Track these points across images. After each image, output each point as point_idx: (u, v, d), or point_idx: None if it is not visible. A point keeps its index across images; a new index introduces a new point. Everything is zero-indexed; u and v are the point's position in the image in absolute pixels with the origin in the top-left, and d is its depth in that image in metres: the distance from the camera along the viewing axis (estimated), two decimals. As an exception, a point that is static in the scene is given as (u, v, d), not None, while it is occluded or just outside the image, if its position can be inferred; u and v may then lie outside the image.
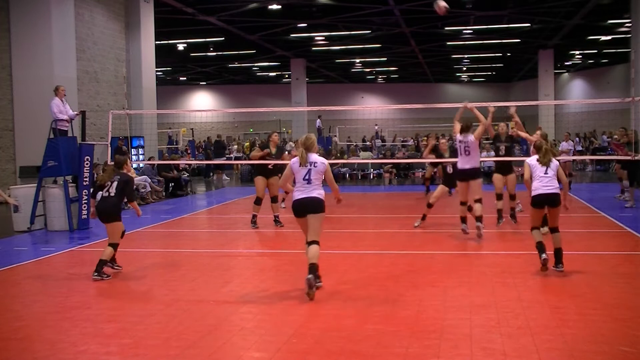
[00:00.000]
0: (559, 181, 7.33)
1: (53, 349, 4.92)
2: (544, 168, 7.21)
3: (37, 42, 15.33)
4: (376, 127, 34.50)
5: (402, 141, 30.97)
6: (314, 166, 6.41)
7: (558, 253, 7.12)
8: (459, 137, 9.55)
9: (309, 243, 6.39)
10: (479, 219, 9.29)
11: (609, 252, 8.43)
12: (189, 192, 18.69)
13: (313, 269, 6.25)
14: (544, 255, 7.03)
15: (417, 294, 6.33)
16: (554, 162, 7.30)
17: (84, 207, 11.58)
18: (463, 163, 9.53)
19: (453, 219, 12.31)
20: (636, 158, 11.53)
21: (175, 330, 5.31)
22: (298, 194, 6.43)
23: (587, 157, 23.07)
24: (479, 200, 9.38)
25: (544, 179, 7.18)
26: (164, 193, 17.55)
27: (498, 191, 10.82)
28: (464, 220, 9.73)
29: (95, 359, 4.73)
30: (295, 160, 6.51)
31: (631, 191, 13.15)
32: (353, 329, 5.20)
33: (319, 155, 6.73)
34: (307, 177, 6.39)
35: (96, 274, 7.26)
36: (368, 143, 31.37)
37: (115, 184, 7.51)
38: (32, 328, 5.52)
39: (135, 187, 15.60)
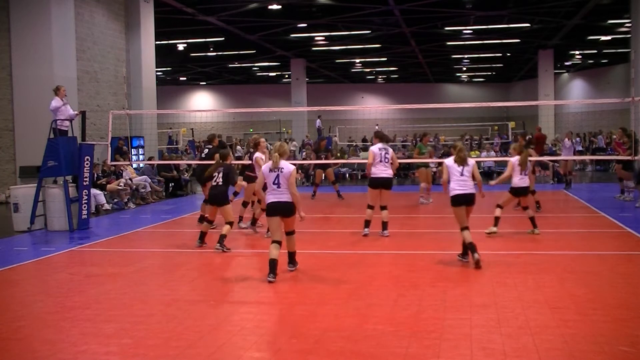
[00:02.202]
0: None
1: (53, 349, 4.93)
2: (461, 168, 7.81)
3: (37, 42, 15.33)
4: (376, 127, 34.49)
5: (402, 141, 30.97)
6: (281, 171, 7.14)
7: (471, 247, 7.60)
8: (380, 145, 9.94)
9: (287, 233, 7.39)
10: (384, 225, 9.85)
11: (609, 252, 8.43)
12: (189, 192, 18.69)
13: (292, 256, 7.47)
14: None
15: (417, 294, 6.33)
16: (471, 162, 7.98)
17: (84, 207, 11.58)
18: (382, 171, 9.80)
19: (453, 219, 12.34)
20: (636, 158, 11.53)
21: (175, 330, 5.31)
22: (271, 197, 7.21)
23: (587, 157, 23.10)
24: (385, 207, 9.88)
25: (460, 180, 7.78)
26: (164, 193, 17.56)
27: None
28: (367, 224, 9.87)
29: (95, 359, 4.73)
30: (266, 166, 7.31)
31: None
32: (353, 329, 5.20)
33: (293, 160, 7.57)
34: (276, 182, 7.16)
35: (218, 245, 8.86)
36: (369, 143, 31.34)
37: (221, 174, 9.00)
38: (32, 328, 5.52)
39: (135, 187, 15.68)
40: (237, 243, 10.30)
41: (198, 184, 21.69)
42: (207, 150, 11.65)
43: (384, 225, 9.85)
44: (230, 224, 9.09)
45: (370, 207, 9.78)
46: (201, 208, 11.66)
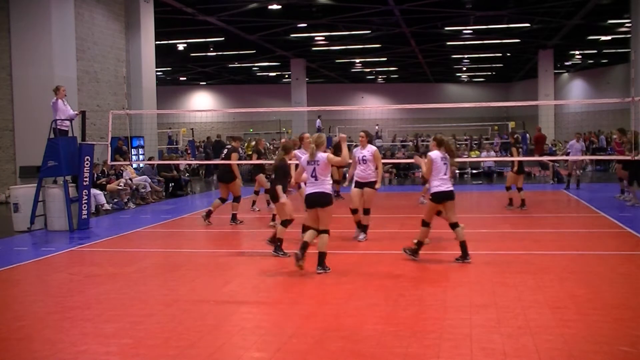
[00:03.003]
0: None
1: (53, 349, 4.92)
2: (445, 167, 7.79)
3: (37, 42, 15.32)
4: (377, 127, 34.52)
5: (402, 141, 30.97)
6: (317, 164, 7.27)
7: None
8: (359, 149, 9.57)
9: (319, 232, 7.30)
10: (364, 227, 9.58)
11: (609, 252, 8.43)
12: (188, 192, 18.70)
13: (321, 258, 7.25)
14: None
15: (417, 294, 6.33)
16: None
17: (84, 207, 11.58)
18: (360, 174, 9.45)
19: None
20: (636, 158, 11.52)
21: (175, 330, 5.31)
22: (309, 189, 7.39)
23: (587, 157, 23.11)
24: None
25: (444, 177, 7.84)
26: (164, 193, 17.56)
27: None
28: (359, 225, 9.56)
29: (95, 359, 4.73)
30: (305, 157, 7.50)
31: (632, 190, 13.19)
32: (353, 329, 5.20)
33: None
34: (313, 175, 7.31)
35: (275, 252, 8.25)
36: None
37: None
38: (32, 328, 5.52)
39: (135, 187, 15.67)
40: (237, 243, 10.30)
41: (197, 184, 21.90)
42: (225, 150, 11.95)
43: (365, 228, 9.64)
44: (284, 223, 8.37)
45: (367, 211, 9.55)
46: (213, 204, 11.80)
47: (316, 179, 7.30)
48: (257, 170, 13.60)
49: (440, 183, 7.76)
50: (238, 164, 11.92)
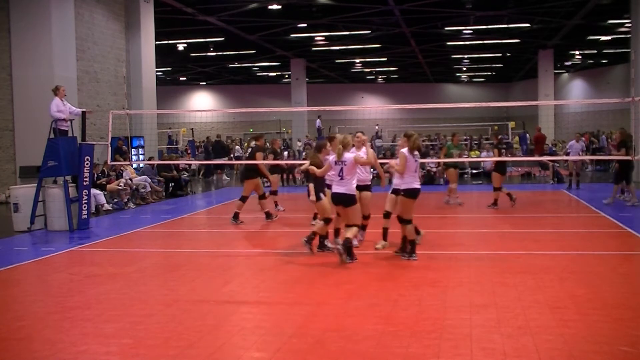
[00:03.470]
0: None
1: (53, 349, 4.92)
2: (416, 164, 7.98)
3: (37, 42, 15.31)
4: (377, 127, 34.51)
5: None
6: (344, 164, 7.72)
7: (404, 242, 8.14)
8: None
9: (348, 226, 7.86)
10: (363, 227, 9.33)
11: (609, 252, 8.44)
12: (188, 192, 18.69)
13: (347, 242, 7.64)
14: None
15: (417, 294, 6.33)
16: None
17: (84, 207, 11.58)
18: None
19: (454, 219, 12.32)
20: (636, 158, 11.52)
21: (175, 330, 5.31)
22: (334, 189, 7.90)
23: (587, 157, 23.14)
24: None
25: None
26: (164, 193, 17.56)
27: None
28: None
29: (95, 359, 4.73)
30: (333, 157, 7.86)
31: (615, 189, 13.30)
32: (353, 329, 5.20)
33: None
34: (340, 174, 7.75)
35: (307, 241, 8.34)
36: (368, 143, 31.35)
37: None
38: (32, 328, 5.52)
39: (135, 187, 15.67)
40: (237, 243, 10.30)
41: (197, 184, 21.89)
42: (250, 149, 12.23)
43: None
44: (325, 220, 8.38)
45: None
46: (262, 205, 12.15)
47: (342, 179, 7.74)
48: (271, 171, 13.31)
49: (412, 180, 7.93)
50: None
